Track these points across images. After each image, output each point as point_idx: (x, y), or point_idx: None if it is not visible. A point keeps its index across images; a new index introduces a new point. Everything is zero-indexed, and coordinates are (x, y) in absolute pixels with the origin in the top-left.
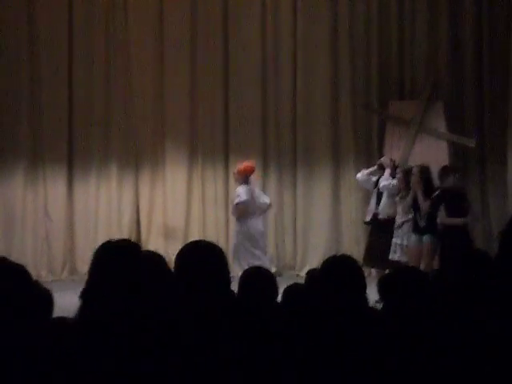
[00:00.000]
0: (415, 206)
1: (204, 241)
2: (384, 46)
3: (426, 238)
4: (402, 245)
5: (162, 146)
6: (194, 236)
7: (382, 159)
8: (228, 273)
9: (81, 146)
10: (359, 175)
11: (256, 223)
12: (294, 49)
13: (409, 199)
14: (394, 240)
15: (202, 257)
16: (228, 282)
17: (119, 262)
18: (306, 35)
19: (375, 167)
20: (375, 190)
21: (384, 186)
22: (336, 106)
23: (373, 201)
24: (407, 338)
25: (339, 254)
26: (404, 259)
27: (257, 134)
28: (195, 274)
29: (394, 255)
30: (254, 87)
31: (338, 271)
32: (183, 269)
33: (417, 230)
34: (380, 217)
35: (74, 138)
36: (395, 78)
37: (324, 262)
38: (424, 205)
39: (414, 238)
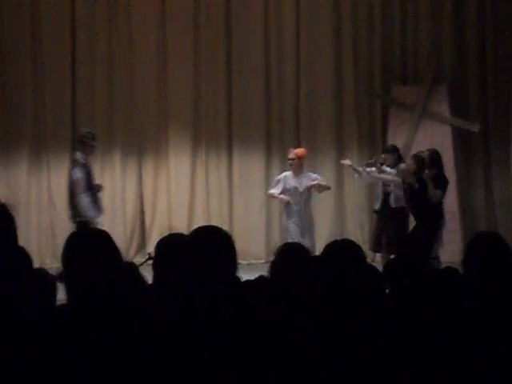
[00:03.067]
0: None
1: (210, 226)
2: (387, 31)
3: None
4: None
5: (165, 134)
6: (199, 223)
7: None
8: (235, 258)
9: None
10: (356, 176)
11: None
12: (297, 35)
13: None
14: None
15: (209, 242)
16: (235, 267)
17: (88, 252)
18: (308, 21)
19: (372, 168)
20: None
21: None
22: (339, 91)
23: (379, 189)
24: (411, 322)
25: (341, 238)
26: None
27: (260, 120)
28: (202, 260)
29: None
30: (256, 74)
31: (339, 255)
32: (189, 254)
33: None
34: (392, 206)
35: (78, 126)
36: (398, 62)
37: (326, 247)
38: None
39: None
